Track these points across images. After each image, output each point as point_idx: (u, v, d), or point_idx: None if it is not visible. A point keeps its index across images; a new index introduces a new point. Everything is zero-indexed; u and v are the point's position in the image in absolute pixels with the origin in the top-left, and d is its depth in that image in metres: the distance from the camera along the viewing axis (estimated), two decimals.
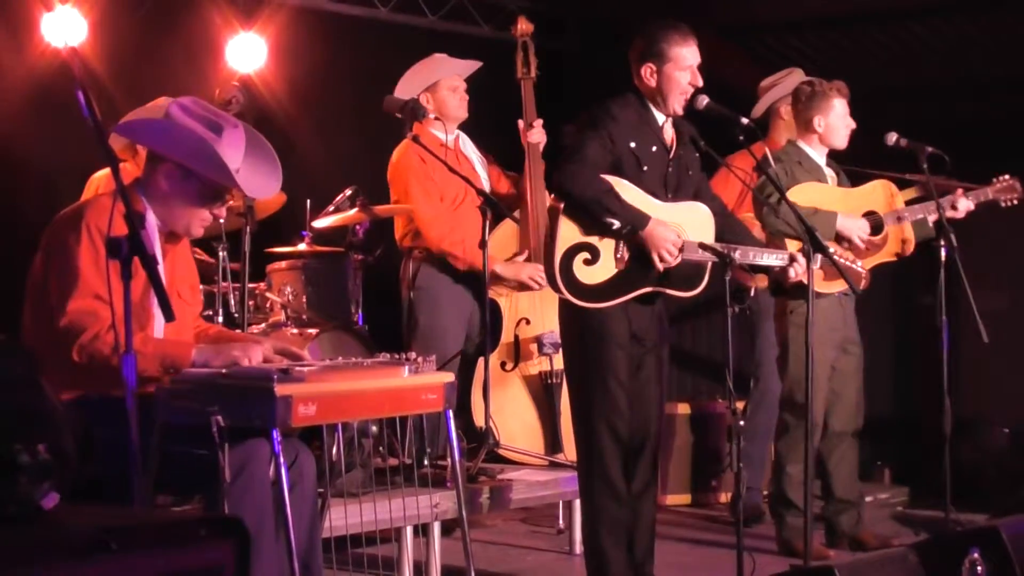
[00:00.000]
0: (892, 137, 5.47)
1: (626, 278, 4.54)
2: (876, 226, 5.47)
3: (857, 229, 5.37)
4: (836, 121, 5.43)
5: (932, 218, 5.42)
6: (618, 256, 4.53)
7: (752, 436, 6.12)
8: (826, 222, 5.27)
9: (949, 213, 5.45)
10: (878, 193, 5.54)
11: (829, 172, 5.53)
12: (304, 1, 7.12)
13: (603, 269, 4.53)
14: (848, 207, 5.43)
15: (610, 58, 5.20)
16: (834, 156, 5.60)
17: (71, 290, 3.62)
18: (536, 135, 5.96)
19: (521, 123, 6.01)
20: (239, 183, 3.79)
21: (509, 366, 5.91)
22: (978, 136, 6.42)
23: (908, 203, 5.60)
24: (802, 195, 5.31)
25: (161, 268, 3.76)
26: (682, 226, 4.58)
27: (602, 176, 4.48)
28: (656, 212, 4.54)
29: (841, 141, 5.46)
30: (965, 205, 5.51)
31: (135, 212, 3.03)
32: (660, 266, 4.49)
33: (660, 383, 4.71)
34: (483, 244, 5.33)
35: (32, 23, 6.03)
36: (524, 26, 6.20)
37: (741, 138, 4.48)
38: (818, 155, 5.49)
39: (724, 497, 6.67)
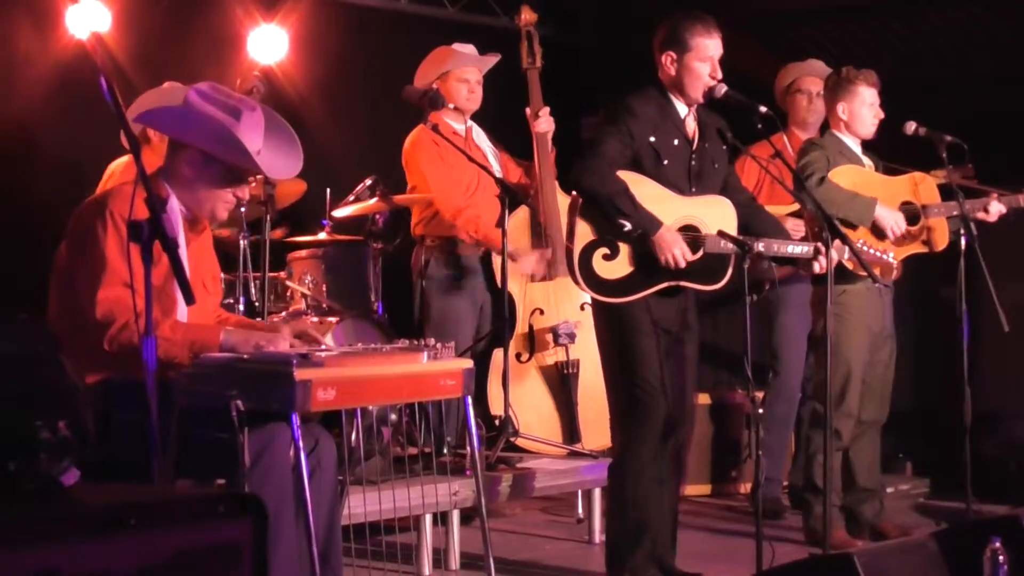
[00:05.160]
0: (911, 126, 5.45)
1: (646, 272, 4.53)
2: (912, 216, 5.44)
3: (893, 221, 5.32)
4: (860, 109, 5.39)
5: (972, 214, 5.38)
6: (637, 251, 4.53)
7: (771, 426, 6.12)
8: (865, 207, 5.25)
9: (980, 215, 5.42)
10: (916, 185, 5.49)
11: (867, 162, 5.49)
12: None
13: (622, 264, 4.52)
14: (887, 193, 5.39)
15: (626, 51, 5.20)
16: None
17: (100, 279, 3.64)
18: (543, 124, 5.97)
19: (529, 112, 6.02)
20: (261, 165, 3.81)
21: (524, 357, 5.90)
22: (996, 128, 6.40)
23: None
24: (844, 178, 5.29)
25: (185, 255, 3.79)
26: (703, 219, 4.57)
27: (618, 175, 4.46)
28: (676, 206, 4.54)
29: (866, 130, 5.42)
30: (997, 208, 5.47)
31: (156, 196, 3.04)
32: (672, 264, 4.49)
33: (684, 373, 4.69)
34: (503, 232, 5.35)
35: (56, 15, 6.08)
36: (528, 15, 6.20)
37: (760, 126, 4.48)
38: (853, 144, 5.47)
39: (744, 488, 6.66)
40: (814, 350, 5.70)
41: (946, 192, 5.45)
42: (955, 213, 5.36)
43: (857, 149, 5.47)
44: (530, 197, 5.90)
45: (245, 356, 3.60)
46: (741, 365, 4.32)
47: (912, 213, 5.43)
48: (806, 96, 6.27)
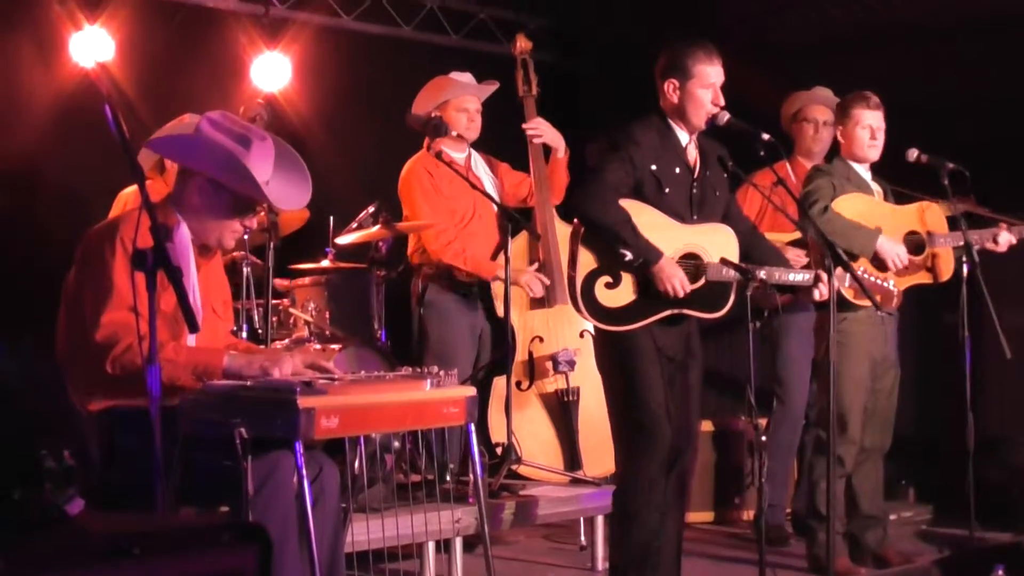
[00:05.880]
0: (913, 153, 5.45)
1: (648, 301, 4.53)
2: (918, 246, 5.45)
3: (895, 253, 5.32)
4: (854, 130, 5.38)
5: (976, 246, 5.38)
6: (639, 279, 4.54)
7: (775, 453, 6.10)
8: (867, 238, 5.25)
9: (989, 246, 5.42)
10: (923, 213, 5.49)
11: (876, 188, 5.48)
12: (328, 20, 7.19)
13: (625, 292, 4.53)
14: (894, 222, 5.39)
15: (627, 79, 5.21)
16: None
17: (105, 302, 3.65)
18: (536, 132, 5.94)
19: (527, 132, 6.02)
20: (268, 196, 3.82)
21: (524, 385, 5.88)
22: (999, 156, 6.41)
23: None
24: (849, 206, 5.29)
25: (196, 281, 3.81)
26: (705, 247, 4.58)
27: (620, 203, 4.47)
28: (677, 234, 4.54)
29: (862, 152, 5.39)
30: (1006, 239, 5.46)
31: (161, 225, 3.06)
32: (672, 294, 4.49)
33: (688, 400, 4.68)
34: (506, 257, 5.35)
35: (60, 43, 6.12)
36: (523, 43, 6.21)
37: (762, 154, 4.49)
38: (862, 170, 5.46)
39: (747, 515, 6.64)
40: (816, 377, 5.70)
41: (952, 220, 5.45)
42: (960, 243, 5.37)
43: (866, 175, 5.46)
44: (532, 222, 5.90)
45: (249, 383, 3.61)
46: (744, 392, 4.33)
47: (917, 243, 5.44)
48: (812, 125, 6.27)
